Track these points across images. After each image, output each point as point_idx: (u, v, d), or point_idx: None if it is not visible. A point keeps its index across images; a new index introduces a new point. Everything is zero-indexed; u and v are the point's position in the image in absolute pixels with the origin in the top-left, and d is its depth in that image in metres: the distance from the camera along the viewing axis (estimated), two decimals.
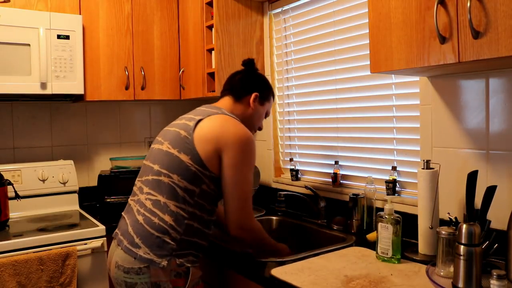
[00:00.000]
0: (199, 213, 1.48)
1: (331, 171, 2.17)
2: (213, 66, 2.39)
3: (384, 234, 1.48)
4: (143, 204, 1.49)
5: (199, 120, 1.53)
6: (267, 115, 1.82)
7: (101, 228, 2.08)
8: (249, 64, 1.79)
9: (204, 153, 1.47)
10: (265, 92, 1.76)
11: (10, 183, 2.17)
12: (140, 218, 1.47)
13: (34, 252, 1.88)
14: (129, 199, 1.60)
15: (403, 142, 1.87)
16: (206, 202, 1.50)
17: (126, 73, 2.51)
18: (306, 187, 2.13)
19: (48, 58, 2.20)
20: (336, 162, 2.15)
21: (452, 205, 1.62)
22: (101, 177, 2.51)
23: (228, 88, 1.74)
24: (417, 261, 1.48)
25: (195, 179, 1.47)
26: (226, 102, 1.71)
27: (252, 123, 1.74)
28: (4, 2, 2.14)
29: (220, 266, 1.70)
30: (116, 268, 1.46)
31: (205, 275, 1.71)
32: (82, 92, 2.31)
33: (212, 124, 1.52)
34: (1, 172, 2.19)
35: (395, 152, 1.91)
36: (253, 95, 1.70)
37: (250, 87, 1.72)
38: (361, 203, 1.87)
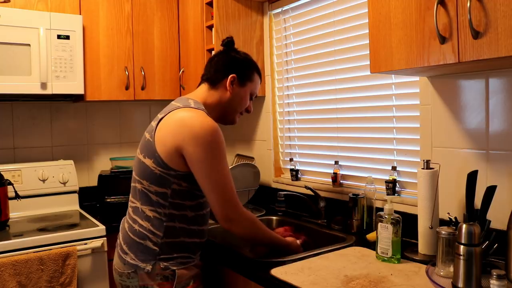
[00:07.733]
0: (178, 212, 1.47)
1: (331, 171, 2.17)
2: None
3: (384, 234, 1.48)
4: (128, 211, 1.56)
5: (161, 119, 1.47)
6: (252, 96, 1.65)
7: (101, 228, 2.08)
8: (227, 44, 1.64)
9: (165, 154, 1.41)
10: (245, 71, 1.60)
11: (10, 183, 2.17)
12: (126, 225, 1.54)
13: (34, 252, 1.88)
14: None
15: (403, 142, 1.87)
16: (184, 200, 1.46)
17: (126, 73, 2.51)
18: (306, 187, 2.13)
19: (48, 58, 2.20)
20: (336, 162, 2.15)
21: (452, 205, 1.62)
22: (101, 177, 2.51)
23: (204, 74, 1.63)
24: (417, 261, 1.48)
25: (162, 181, 1.44)
26: (199, 91, 1.61)
27: (233, 108, 1.61)
28: (4, 2, 2.14)
29: (220, 266, 1.70)
30: (114, 271, 1.55)
31: (205, 275, 1.71)
32: (82, 92, 2.31)
33: (170, 122, 1.44)
34: (1, 172, 2.19)
35: (395, 152, 1.91)
36: (229, 78, 1.56)
37: (226, 69, 1.57)
38: (361, 203, 1.87)
